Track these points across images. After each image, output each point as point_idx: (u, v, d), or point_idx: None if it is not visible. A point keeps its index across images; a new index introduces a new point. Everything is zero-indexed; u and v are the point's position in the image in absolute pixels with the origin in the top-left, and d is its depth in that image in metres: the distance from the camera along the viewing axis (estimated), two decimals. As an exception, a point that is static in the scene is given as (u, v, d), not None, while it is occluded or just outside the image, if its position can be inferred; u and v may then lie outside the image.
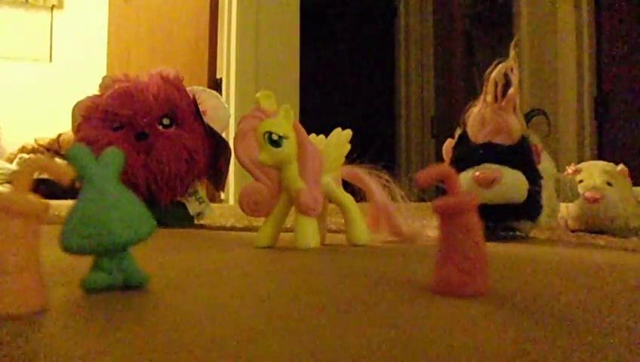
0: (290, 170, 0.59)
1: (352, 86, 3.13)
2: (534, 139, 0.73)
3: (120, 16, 2.60)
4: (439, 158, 0.78)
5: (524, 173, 0.69)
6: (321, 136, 0.66)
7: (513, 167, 0.68)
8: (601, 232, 0.86)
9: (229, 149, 0.98)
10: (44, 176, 0.31)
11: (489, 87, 0.70)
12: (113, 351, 0.22)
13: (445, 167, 0.34)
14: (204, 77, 2.30)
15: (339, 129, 0.67)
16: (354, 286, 0.38)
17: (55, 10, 3.36)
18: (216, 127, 0.98)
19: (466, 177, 0.68)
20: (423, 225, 0.69)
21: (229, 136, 1.13)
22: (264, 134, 0.57)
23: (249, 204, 0.62)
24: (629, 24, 2.29)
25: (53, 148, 2.80)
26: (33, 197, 0.29)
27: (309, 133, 0.63)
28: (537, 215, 0.72)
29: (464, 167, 0.70)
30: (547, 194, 0.73)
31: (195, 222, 0.99)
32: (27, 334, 0.24)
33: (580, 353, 0.22)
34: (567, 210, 0.90)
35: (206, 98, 1.00)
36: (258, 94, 0.62)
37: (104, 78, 1.01)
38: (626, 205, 0.89)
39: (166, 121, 0.94)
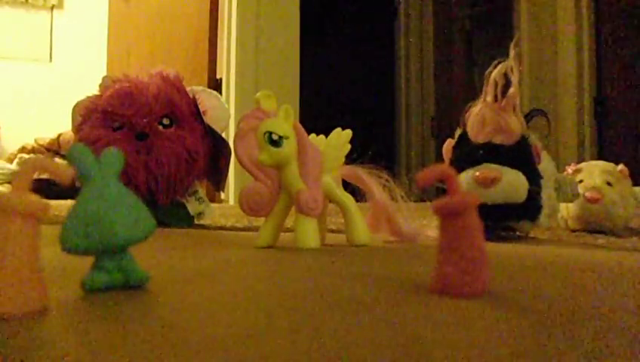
0: (290, 170, 0.59)
1: (352, 86, 3.14)
2: (534, 139, 0.73)
3: (120, 16, 2.60)
4: (439, 158, 0.78)
5: (524, 173, 0.69)
6: (321, 136, 0.66)
7: (513, 167, 0.68)
8: (601, 232, 0.86)
9: (229, 149, 0.98)
10: (44, 176, 0.31)
11: (489, 87, 0.70)
12: (113, 350, 0.22)
13: (445, 167, 0.34)
14: (204, 77, 2.30)
15: (339, 129, 0.67)
16: (354, 286, 0.38)
17: (55, 10, 3.36)
18: (216, 127, 0.98)
19: (466, 177, 0.68)
20: (423, 225, 0.69)
21: (229, 136, 1.13)
22: (264, 134, 0.57)
23: (249, 204, 0.62)
24: (629, 25, 2.29)
25: (53, 148, 2.80)
26: (33, 197, 0.29)
27: (309, 133, 0.63)
28: (537, 215, 0.72)
29: (464, 167, 0.70)
30: (547, 194, 0.73)
31: (195, 222, 0.99)
32: (27, 334, 0.24)
33: (580, 353, 0.22)
34: (567, 210, 0.90)
35: (206, 98, 1.00)
36: (258, 94, 0.62)
37: (104, 78, 1.02)
38: (626, 205, 0.89)
39: (166, 121, 0.94)
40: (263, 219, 0.63)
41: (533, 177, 0.70)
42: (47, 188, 0.94)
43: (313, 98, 2.51)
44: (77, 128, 0.97)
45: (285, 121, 0.59)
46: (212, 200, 1.53)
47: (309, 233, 0.60)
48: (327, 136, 0.66)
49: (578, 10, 2.40)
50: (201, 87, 1.05)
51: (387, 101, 3.31)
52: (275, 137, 0.57)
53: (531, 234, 0.78)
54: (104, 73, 2.17)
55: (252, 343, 0.23)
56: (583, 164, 0.96)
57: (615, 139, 2.33)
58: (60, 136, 2.79)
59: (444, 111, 3.12)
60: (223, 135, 1.01)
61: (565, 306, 0.31)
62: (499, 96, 0.70)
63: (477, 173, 0.67)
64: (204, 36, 2.35)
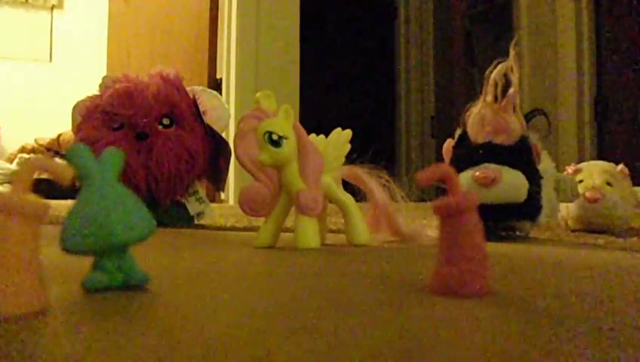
0: (290, 170, 0.59)
1: (352, 86, 3.14)
2: (534, 139, 0.73)
3: (120, 16, 2.60)
4: (439, 158, 0.78)
5: (524, 173, 0.69)
6: (321, 136, 0.66)
7: (513, 167, 0.68)
8: (601, 232, 0.86)
9: (229, 149, 0.98)
10: (44, 176, 0.31)
11: (489, 87, 0.70)
12: (113, 350, 0.22)
13: (445, 167, 0.34)
14: (204, 77, 2.30)
15: (339, 129, 0.67)
16: (354, 286, 0.38)
17: (55, 10, 3.36)
18: (216, 127, 0.98)
19: (466, 177, 0.68)
20: (423, 225, 0.69)
21: (229, 136, 1.13)
22: (264, 134, 0.57)
23: (249, 204, 0.62)
24: (629, 24, 2.29)
25: (53, 148, 2.80)
26: (33, 197, 0.29)
27: (309, 133, 0.63)
28: (537, 215, 0.72)
29: (464, 167, 0.70)
30: (547, 194, 0.73)
31: (195, 222, 0.99)
32: (27, 334, 0.24)
33: (580, 353, 0.22)
34: (567, 210, 0.90)
35: (206, 98, 1.00)
36: (258, 94, 0.62)
37: (104, 78, 1.01)
38: (626, 205, 0.89)
39: (166, 121, 0.94)
40: (263, 219, 0.63)
41: (533, 177, 0.70)
42: (47, 188, 0.94)
43: (313, 98, 2.51)
44: (77, 128, 0.97)
45: (285, 121, 0.59)
46: (212, 200, 1.53)
47: (309, 233, 0.60)
48: (327, 136, 0.66)
49: (578, 10, 2.40)
50: (201, 87, 1.05)
51: (387, 101, 3.31)
52: (275, 137, 0.57)
53: (531, 234, 0.78)
54: (104, 73, 2.16)
55: (252, 343, 0.23)
56: (583, 164, 0.96)
57: (615, 139, 2.33)
58: (60, 136, 2.79)
59: (444, 111, 3.12)
60: (223, 135, 1.01)
61: (565, 306, 0.31)
62: (499, 96, 0.70)
63: (477, 173, 0.67)
64: (204, 36, 2.35)
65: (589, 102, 2.39)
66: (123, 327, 0.26)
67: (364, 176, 0.67)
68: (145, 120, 0.92)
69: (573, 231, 0.90)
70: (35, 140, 2.85)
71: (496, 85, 0.70)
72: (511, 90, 0.69)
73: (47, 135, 2.84)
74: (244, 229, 0.89)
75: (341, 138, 0.66)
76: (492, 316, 0.28)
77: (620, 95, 2.32)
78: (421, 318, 0.28)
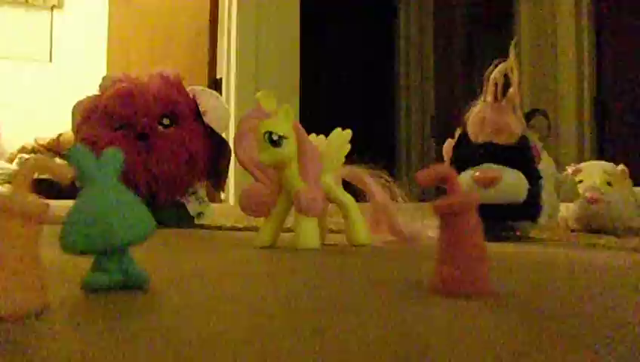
0: (290, 170, 0.59)
1: (352, 86, 3.13)
2: (534, 139, 0.73)
3: (120, 16, 2.60)
4: (439, 158, 0.78)
5: (524, 173, 0.69)
6: (321, 136, 0.66)
7: (513, 167, 0.68)
8: (601, 232, 0.86)
9: (229, 149, 0.98)
10: (44, 176, 0.31)
11: (489, 87, 0.70)
12: (113, 350, 0.22)
13: (445, 167, 0.34)
14: (204, 77, 2.30)
15: (339, 129, 0.67)
16: (354, 286, 0.38)
17: (55, 10, 3.36)
18: (216, 127, 0.98)
19: (466, 177, 0.68)
20: (423, 225, 0.69)
21: (229, 136, 1.13)
22: (264, 134, 0.57)
23: (249, 204, 0.62)
24: (629, 25, 2.29)
25: (53, 148, 2.80)
26: (33, 197, 0.29)
27: (309, 133, 0.63)
28: (537, 215, 0.72)
29: (464, 167, 0.70)
30: (547, 194, 0.73)
31: (195, 222, 0.99)
32: (27, 334, 0.24)
33: (580, 353, 0.22)
34: (567, 210, 0.90)
35: (206, 98, 1.00)
36: (258, 94, 0.62)
37: (104, 78, 1.01)
38: (626, 205, 0.89)
39: (166, 121, 0.94)
40: (263, 219, 0.63)
41: (533, 177, 0.70)
42: (47, 188, 0.94)
43: (313, 98, 2.51)
44: (77, 128, 0.97)
45: (285, 121, 0.59)
46: (212, 200, 1.53)
47: (309, 233, 0.59)
48: (327, 136, 0.66)
49: (578, 10, 2.40)
50: (201, 87, 1.05)
51: (387, 101, 3.31)
52: (275, 137, 0.57)
53: (531, 234, 0.78)
54: (104, 73, 2.16)
55: (252, 343, 0.23)
56: (583, 164, 0.96)
57: (615, 139, 2.33)
58: (60, 136, 2.79)
59: (444, 111, 3.12)
60: (223, 135, 1.01)
61: (565, 306, 0.31)
62: (499, 96, 0.70)
63: (477, 173, 0.67)
64: (204, 36, 2.35)
65: (589, 102, 2.39)
66: (123, 327, 0.26)
67: (364, 176, 0.67)
68: (145, 120, 0.92)
69: (573, 231, 0.90)
70: (35, 140, 2.85)
71: (496, 85, 0.70)
72: (511, 90, 0.69)
73: (47, 135, 2.85)
74: (244, 229, 0.89)
75: (341, 138, 0.66)
76: (492, 316, 0.28)
77: (620, 95, 2.32)
78: (421, 318, 0.28)
